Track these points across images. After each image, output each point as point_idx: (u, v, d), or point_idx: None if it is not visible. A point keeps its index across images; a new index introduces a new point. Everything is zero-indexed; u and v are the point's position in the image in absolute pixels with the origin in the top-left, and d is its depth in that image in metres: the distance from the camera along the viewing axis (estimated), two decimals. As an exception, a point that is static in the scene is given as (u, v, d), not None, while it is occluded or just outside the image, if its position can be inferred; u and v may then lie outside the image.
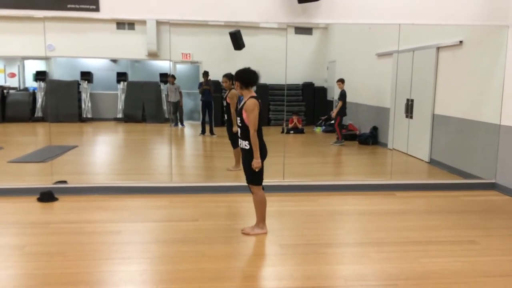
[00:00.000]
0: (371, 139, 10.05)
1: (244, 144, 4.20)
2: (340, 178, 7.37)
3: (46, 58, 14.08)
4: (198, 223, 4.71)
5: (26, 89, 14.18)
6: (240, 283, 3.43)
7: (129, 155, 9.30)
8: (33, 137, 11.65)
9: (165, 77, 14.14)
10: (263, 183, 4.34)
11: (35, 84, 13.97)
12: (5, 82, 14.30)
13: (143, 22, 13.68)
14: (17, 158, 7.91)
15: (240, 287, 3.37)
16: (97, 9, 5.62)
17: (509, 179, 6.06)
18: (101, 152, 9.80)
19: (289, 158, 7.03)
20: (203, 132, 11.17)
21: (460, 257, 3.92)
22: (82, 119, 13.73)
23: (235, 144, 6.80)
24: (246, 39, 7.65)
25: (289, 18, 5.91)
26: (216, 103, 11.78)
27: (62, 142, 9.68)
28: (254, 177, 4.25)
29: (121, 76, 14.28)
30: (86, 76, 13.99)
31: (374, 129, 10.12)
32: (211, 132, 11.15)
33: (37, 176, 6.88)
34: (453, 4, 5.97)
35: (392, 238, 4.34)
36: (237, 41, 7.27)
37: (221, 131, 11.72)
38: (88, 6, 5.57)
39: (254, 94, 4.21)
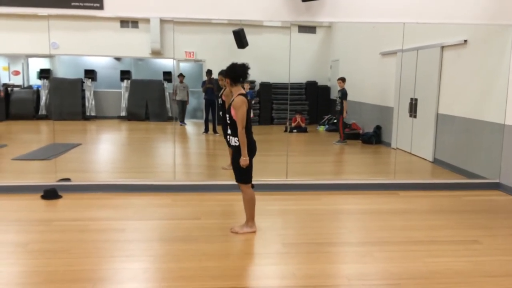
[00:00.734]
0: (375, 138, 10.03)
1: (234, 140, 4.21)
2: (343, 177, 7.36)
3: (50, 56, 14.12)
4: (201, 222, 4.72)
5: (30, 87, 14.22)
6: (243, 281, 3.43)
7: (133, 153, 9.32)
8: (37, 134, 11.69)
9: (169, 76, 14.15)
10: (253, 181, 4.33)
11: (39, 82, 14.01)
12: (9, 80, 14.34)
13: (147, 21, 13.69)
14: (21, 155, 7.94)
15: (242, 286, 3.37)
16: (101, 7, 5.63)
17: (513, 179, 6.04)
18: (105, 150, 9.83)
19: (292, 157, 7.03)
20: (206, 130, 11.18)
21: (463, 257, 3.91)
22: (85, 117, 13.76)
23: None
24: (249, 37, 7.62)
25: (293, 16, 5.90)
26: (219, 101, 11.77)
27: (66, 140, 9.70)
28: (242, 176, 4.25)
29: (125, 74, 14.29)
30: (90, 74, 14.01)
31: (378, 128, 10.10)
32: (214, 131, 11.15)
33: (41, 174, 6.90)
34: (457, 3, 5.94)
35: (395, 238, 4.33)
36: (241, 40, 7.25)
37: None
38: (92, 4, 5.58)
39: (243, 92, 4.21)
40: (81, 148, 9.16)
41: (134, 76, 14.64)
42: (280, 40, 12.40)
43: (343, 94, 9.96)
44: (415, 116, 8.46)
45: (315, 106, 13.72)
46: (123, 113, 14.09)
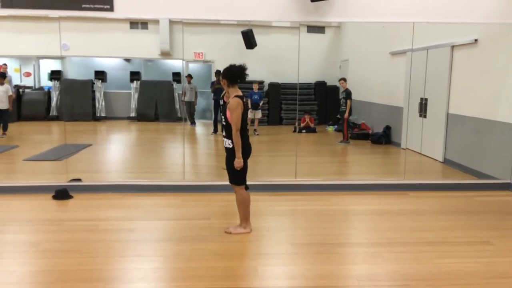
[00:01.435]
0: (384, 138, 9.98)
1: (228, 143, 4.19)
2: (353, 177, 7.33)
3: (61, 58, 14.25)
4: (211, 222, 4.73)
5: (41, 88, 14.38)
6: (252, 281, 3.44)
7: (142, 153, 9.38)
8: (48, 135, 11.81)
9: (178, 76, 14.22)
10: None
11: (50, 83, 14.15)
12: (21, 81, 14.51)
13: (156, 22, 13.77)
14: (33, 156, 8.03)
15: (252, 286, 3.38)
16: (111, 9, 5.67)
17: (525, 180, 5.98)
18: (115, 150, 9.90)
19: (301, 157, 7.02)
20: (215, 131, 11.21)
21: (474, 258, 3.88)
22: (96, 118, 13.87)
23: None
24: (258, 38, 7.64)
25: (302, 16, 5.89)
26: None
27: (77, 140, 9.79)
28: (236, 177, 4.24)
29: (135, 75, 14.39)
30: (100, 75, 14.12)
31: (387, 128, 10.05)
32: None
33: (52, 174, 6.97)
34: (468, 2, 5.89)
35: (405, 238, 4.31)
36: (249, 40, 7.26)
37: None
38: (102, 6, 5.63)
39: (240, 93, 4.20)
40: (92, 148, 9.23)
41: (143, 77, 14.73)
42: (289, 40, 12.38)
43: (347, 94, 9.93)
44: (425, 116, 8.41)
45: (324, 106, 13.69)
46: (132, 114, 14.18)
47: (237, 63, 4.23)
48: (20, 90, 13.43)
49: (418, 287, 3.32)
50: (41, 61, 14.76)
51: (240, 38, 7.56)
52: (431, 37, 8.08)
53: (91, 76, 14.11)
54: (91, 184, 5.95)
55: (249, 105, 11.35)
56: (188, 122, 12.84)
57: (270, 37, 13.32)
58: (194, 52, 13.94)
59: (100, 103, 14.04)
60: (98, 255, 3.85)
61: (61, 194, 5.52)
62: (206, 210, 5.17)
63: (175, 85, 14.25)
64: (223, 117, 4.24)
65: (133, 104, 14.24)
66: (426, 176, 7.36)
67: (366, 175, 7.37)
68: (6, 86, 10.07)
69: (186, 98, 12.50)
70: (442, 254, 3.94)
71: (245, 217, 4.37)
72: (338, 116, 10.35)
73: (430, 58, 8.22)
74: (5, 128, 10.11)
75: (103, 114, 14.04)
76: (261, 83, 13.39)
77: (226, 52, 13.15)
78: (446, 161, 7.80)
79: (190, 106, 12.68)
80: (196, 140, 11.50)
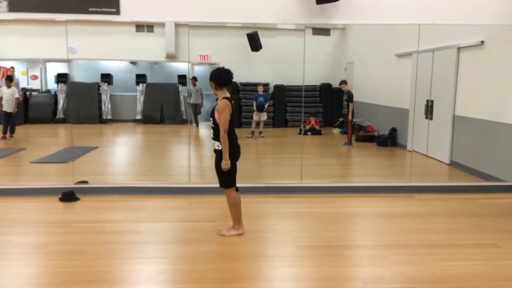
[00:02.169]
0: (390, 140, 9.95)
1: (216, 144, 4.19)
2: (359, 179, 7.31)
3: (67, 61, 14.35)
4: (216, 224, 4.73)
5: (48, 91, 14.48)
6: (258, 284, 3.44)
7: (148, 156, 9.41)
8: (55, 138, 11.89)
9: (184, 79, 14.27)
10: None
11: (55, 86, 14.24)
12: (28, 84, 14.62)
13: (162, 25, 13.83)
14: (40, 158, 8.09)
15: (257, 288, 3.38)
16: (117, 12, 5.71)
17: (532, 182, 5.93)
18: (121, 153, 9.94)
19: (306, 159, 7.02)
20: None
21: (481, 260, 3.86)
22: (102, 120, 13.94)
23: None
24: (263, 40, 7.66)
25: (307, 19, 5.90)
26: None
27: (83, 143, 9.85)
28: (226, 180, 4.23)
29: (140, 78, 14.45)
30: (106, 78, 14.20)
31: (393, 130, 10.02)
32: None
33: (59, 176, 7.02)
34: (474, 4, 5.87)
35: (411, 241, 4.29)
36: (255, 43, 7.29)
37: (239, 132, 11.77)
38: (109, 9, 5.67)
39: (228, 95, 4.20)
40: (98, 151, 9.28)
41: (149, 79, 14.80)
42: (294, 42, 12.40)
43: (349, 96, 9.93)
44: (431, 118, 8.38)
45: (329, 109, 13.68)
46: (138, 116, 14.24)
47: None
48: (27, 93, 13.53)
49: (424, 290, 3.30)
50: (48, 64, 14.87)
51: (245, 41, 7.59)
52: (437, 39, 8.05)
53: (97, 79, 14.19)
54: (98, 186, 5.98)
55: (254, 108, 11.38)
56: (194, 124, 12.89)
57: (275, 40, 13.34)
58: (200, 55, 13.99)
59: (106, 106, 14.11)
60: (104, 257, 3.86)
61: (68, 196, 5.55)
62: (211, 212, 5.17)
63: (180, 87, 14.30)
64: (211, 119, 4.24)
65: (139, 106, 14.30)
66: (432, 178, 7.33)
67: (372, 177, 7.35)
68: (13, 89, 10.16)
69: (192, 100, 12.54)
70: (448, 256, 3.92)
71: (237, 219, 4.37)
72: (342, 119, 10.33)
73: (436, 60, 8.20)
74: (12, 131, 10.19)
75: (109, 117, 14.11)
76: (266, 85, 13.40)
77: (231, 54, 13.21)
78: (453, 163, 7.76)
79: (196, 108, 12.72)
80: (202, 142, 11.52)
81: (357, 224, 4.94)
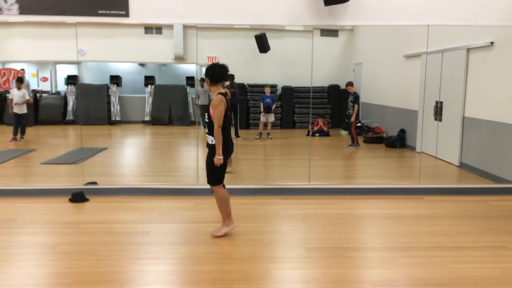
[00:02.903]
0: (399, 142, 9.90)
1: (210, 139, 4.24)
2: (367, 181, 7.28)
3: (77, 63, 14.47)
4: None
5: (58, 92, 14.61)
6: (266, 285, 3.44)
7: (157, 157, 9.46)
8: (65, 139, 11.98)
9: (192, 80, 14.32)
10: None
11: (64, 88, 14.36)
12: (38, 86, 14.77)
13: (170, 27, 13.90)
14: (50, 159, 8.16)
15: (266, 289, 3.38)
16: (126, 15, 5.76)
17: (543, 184, 5.87)
18: (130, 154, 10.00)
19: (314, 161, 7.01)
20: (230, 134, 11.22)
21: (491, 263, 3.83)
22: (111, 122, 14.04)
23: None
24: (271, 42, 7.66)
25: (315, 20, 5.90)
26: (241, 106, 11.89)
27: (92, 144, 9.92)
28: (214, 175, 4.27)
29: (149, 80, 14.54)
30: (115, 80, 14.30)
31: (402, 131, 9.97)
32: (236, 135, 11.21)
33: (68, 177, 7.08)
34: (483, 4, 5.83)
35: (420, 243, 4.27)
36: (263, 44, 7.30)
37: (247, 134, 11.81)
38: (118, 12, 5.72)
39: (223, 91, 4.24)
40: (107, 152, 9.34)
41: (157, 81, 14.87)
42: (302, 44, 12.39)
43: (355, 97, 9.93)
44: (440, 120, 8.33)
45: (337, 110, 13.64)
46: (147, 118, 14.32)
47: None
48: (37, 94, 13.66)
49: (434, 292, 3.29)
50: (57, 66, 15.02)
51: (253, 42, 7.60)
52: (446, 40, 8.00)
53: (107, 81, 14.29)
54: (107, 187, 6.02)
55: (261, 109, 11.39)
56: (202, 126, 12.92)
57: (283, 41, 13.34)
58: (208, 56, 14.02)
59: (115, 107, 14.20)
60: (114, 257, 3.89)
61: (78, 197, 5.60)
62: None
63: (189, 89, 14.36)
64: (206, 114, 4.29)
65: (148, 108, 14.38)
66: (442, 180, 7.28)
67: (381, 179, 7.31)
68: (23, 90, 10.26)
69: (200, 102, 12.59)
70: (458, 259, 3.90)
71: (227, 215, 4.40)
72: (346, 120, 10.31)
73: (446, 61, 8.15)
74: (23, 132, 10.29)
75: (118, 118, 14.20)
76: (274, 86, 13.41)
77: (239, 56, 13.25)
78: (462, 165, 7.70)
79: (204, 110, 12.75)
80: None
81: (366, 226, 4.92)
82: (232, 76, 11.31)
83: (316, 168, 6.87)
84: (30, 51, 13.65)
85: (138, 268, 3.70)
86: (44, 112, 13.54)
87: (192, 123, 14.00)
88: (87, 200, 5.63)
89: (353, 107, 9.88)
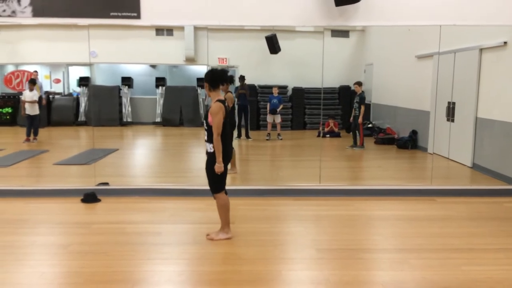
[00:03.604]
0: (410, 143, 9.82)
1: (209, 147, 4.18)
2: (378, 182, 7.23)
3: (89, 64, 14.61)
4: (234, 226, 4.74)
5: (70, 94, 14.77)
6: (277, 286, 3.44)
7: (168, 158, 9.50)
8: (77, 140, 12.10)
9: (202, 82, 14.34)
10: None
11: (78, 90, 14.52)
12: (51, 88, 14.94)
13: (181, 28, 13.97)
14: (62, 160, 8.25)
15: (276, 290, 3.38)
16: (138, 17, 5.80)
17: (558, 185, 5.78)
18: (141, 155, 10.06)
19: (325, 162, 6.99)
20: (239, 135, 11.26)
21: (504, 265, 3.78)
22: (122, 123, 14.14)
23: None
24: (282, 43, 7.67)
25: (326, 21, 5.88)
26: (252, 107, 11.90)
27: (104, 145, 10.00)
28: (216, 183, 4.22)
29: (160, 81, 14.61)
30: (127, 81, 14.40)
31: (414, 133, 9.89)
32: (247, 136, 11.23)
33: (80, 178, 7.14)
34: (496, 4, 5.76)
35: (432, 245, 4.23)
36: (273, 45, 7.32)
37: (257, 135, 11.81)
38: (129, 14, 5.76)
39: (222, 98, 4.22)
40: (119, 153, 9.41)
41: (168, 82, 14.94)
42: (313, 44, 12.37)
43: (361, 98, 9.78)
44: (452, 120, 8.25)
45: (348, 111, 13.57)
46: (158, 119, 14.39)
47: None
48: (50, 96, 13.82)
49: (446, 295, 3.25)
50: (70, 68, 15.18)
51: (264, 43, 7.62)
52: (459, 40, 7.93)
53: (118, 82, 14.40)
54: (118, 188, 6.06)
55: (267, 110, 11.40)
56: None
57: (294, 42, 13.33)
58: (218, 58, 14.07)
59: (126, 109, 14.31)
60: (125, 257, 3.92)
61: (90, 197, 5.65)
62: (230, 214, 5.18)
63: (199, 90, 14.40)
64: (204, 121, 4.26)
65: (159, 109, 14.46)
66: (454, 181, 7.21)
67: (392, 180, 7.26)
68: (34, 92, 10.38)
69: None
70: (470, 261, 3.86)
71: (226, 222, 4.34)
72: (350, 121, 10.22)
73: (458, 61, 8.07)
74: (35, 133, 10.42)
75: (129, 119, 14.30)
76: (284, 87, 13.40)
77: (250, 57, 13.26)
78: (475, 166, 7.62)
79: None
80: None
81: (377, 227, 4.89)
82: (242, 77, 11.35)
83: (327, 169, 6.85)
84: (43, 53, 13.81)
85: (149, 268, 3.72)
86: (56, 113, 13.69)
87: (203, 124, 14.02)
88: (99, 200, 5.67)
89: (359, 108, 9.78)
